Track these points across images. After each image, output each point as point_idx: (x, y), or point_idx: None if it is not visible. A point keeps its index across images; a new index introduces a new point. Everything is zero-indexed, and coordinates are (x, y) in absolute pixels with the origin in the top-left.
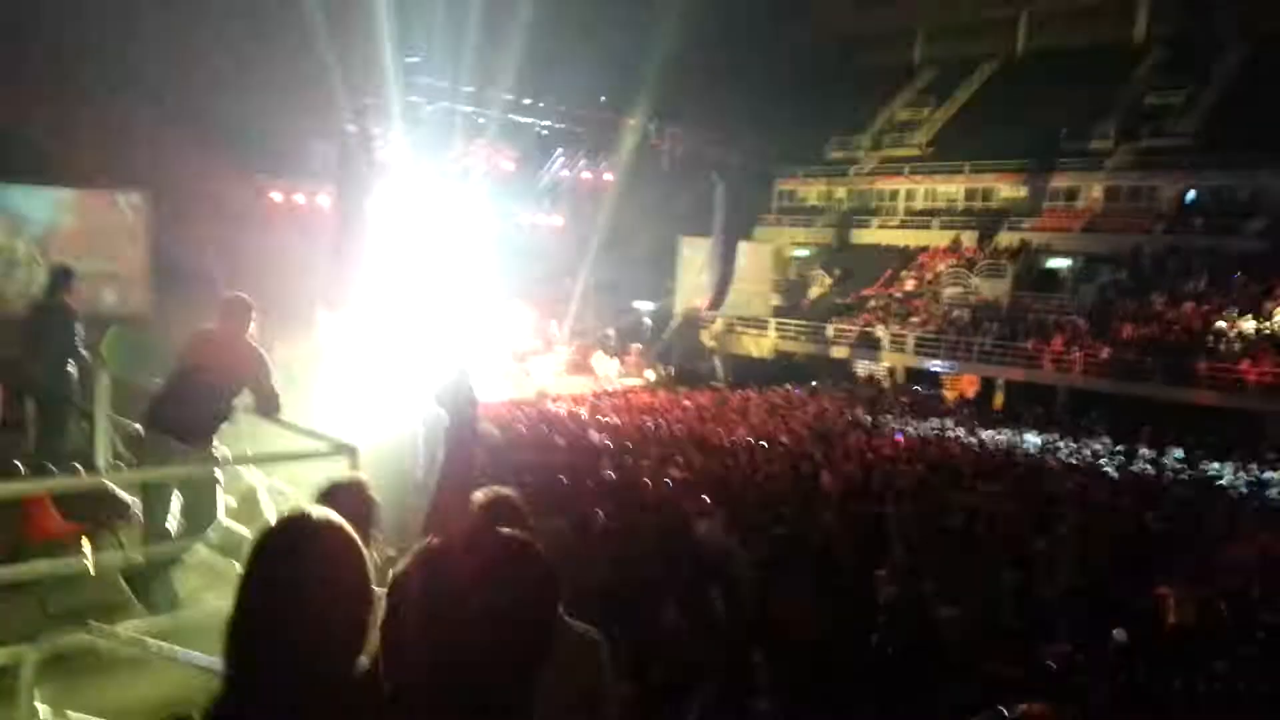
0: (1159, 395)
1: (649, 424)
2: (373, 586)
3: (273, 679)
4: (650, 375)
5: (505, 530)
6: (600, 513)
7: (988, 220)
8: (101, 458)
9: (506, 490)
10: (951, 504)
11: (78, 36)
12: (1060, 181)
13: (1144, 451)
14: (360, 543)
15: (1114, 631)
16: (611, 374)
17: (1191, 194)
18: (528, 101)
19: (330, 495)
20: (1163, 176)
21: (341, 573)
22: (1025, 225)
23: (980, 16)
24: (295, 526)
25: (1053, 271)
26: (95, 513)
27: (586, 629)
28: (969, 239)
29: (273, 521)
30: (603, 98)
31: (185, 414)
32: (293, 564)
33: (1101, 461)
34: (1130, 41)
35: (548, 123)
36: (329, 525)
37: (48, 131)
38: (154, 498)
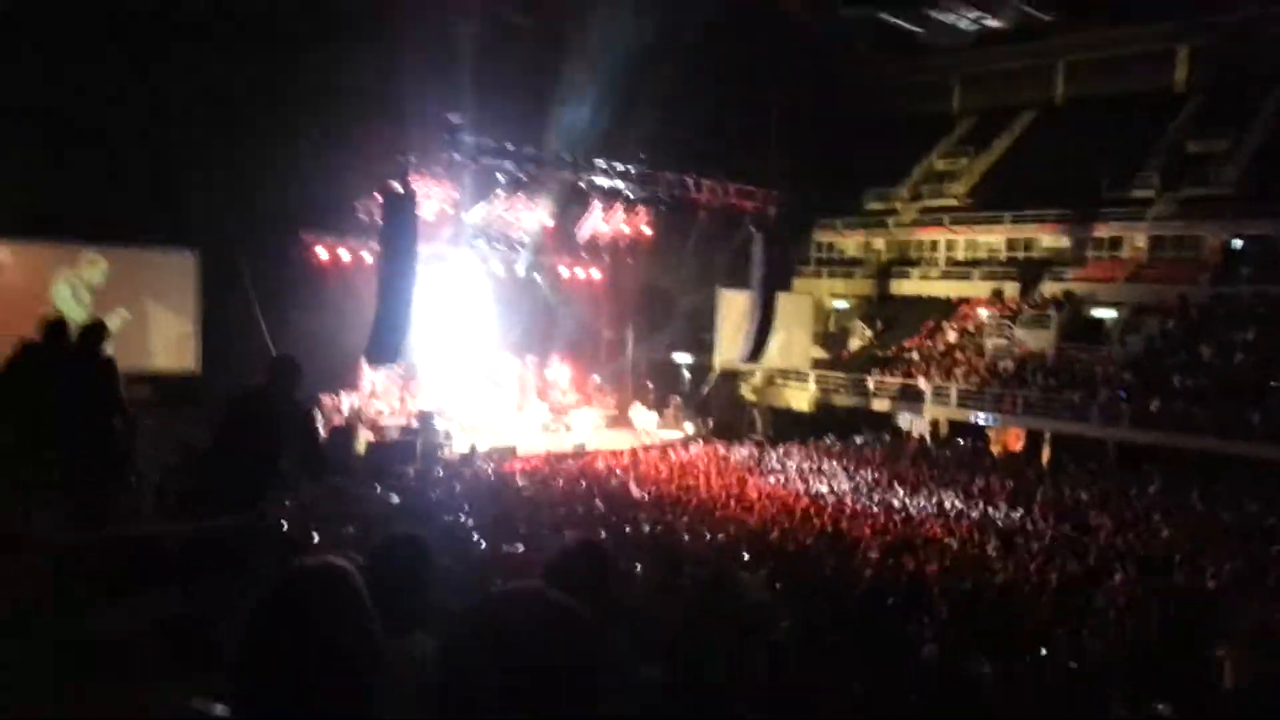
0: (1211, 448)
1: (690, 480)
2: (375, 635)
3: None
4: (689, 428)
5: (553, 592)
6: (638, 566)
7: (1030, 270)
8: (146, 512)
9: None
10: (993, 561)
11: (128, 97)
12: (1103, 231)
13: (1197, 507)
14: (363, 593)
15: (1158, 707)
16: (650, 427)
17: (1238, 242)
18: (567, 157)
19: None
20: (1207, 225)
21: (341, 622)
22: (1069, 275)
23: (1017, 65)
24: (295, 576)
25: (1098, 322)
26: (139, 567)
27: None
28: (1011, 289)
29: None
30: (641, 154)
31: (231, 474)
32: (290, 613)
33: (1155, 517)
34: (1170, 88)
35: (587, 177)
36: (329, 575)
37: (100, 191)
38: (197, 552)
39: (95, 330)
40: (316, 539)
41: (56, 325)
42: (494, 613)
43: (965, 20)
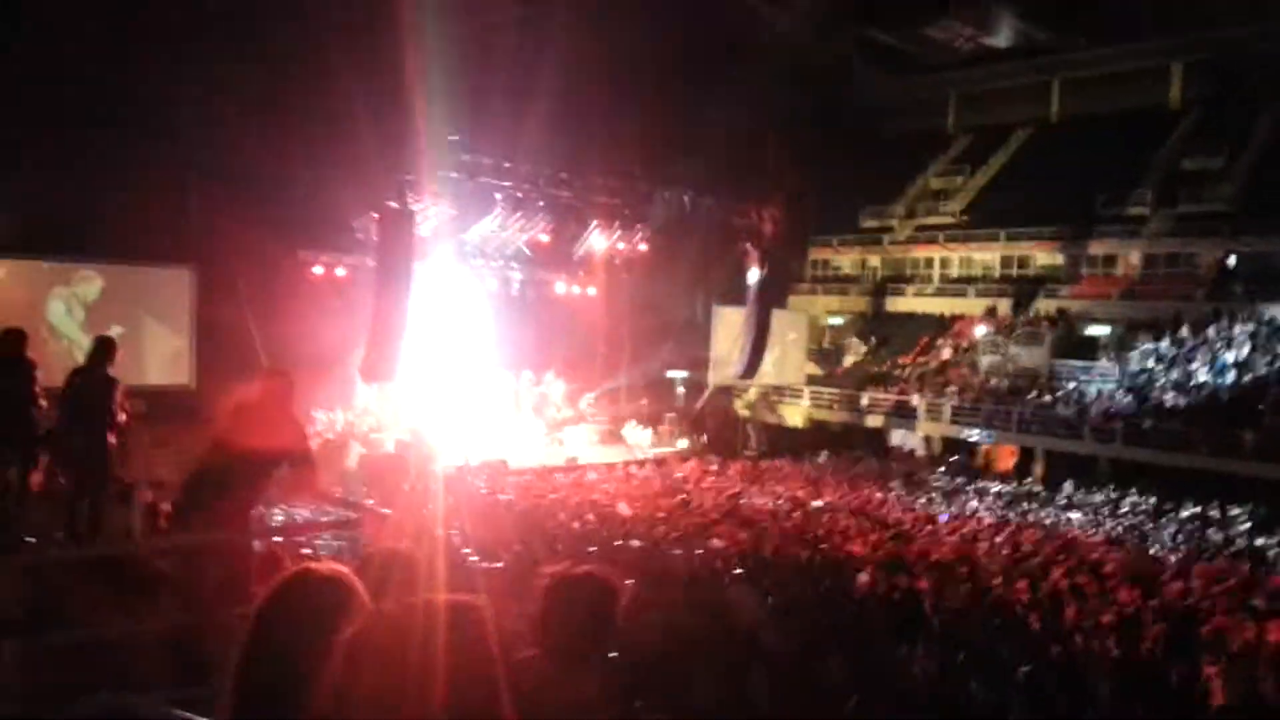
0: (1204, 466)
1: (681, 496)
2: None
3: None
4: (683, 444)
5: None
6: (629, 583)
7: (1024, 288)
8: (139, 526)
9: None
10: (989, 578)
11: (126, 118)
12: (1098, 248)
13: (1188, 525)
14: (365, 600)
15: None
16: (644, 443)
17: (1232, 259)
18: (564, 175)
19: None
20: (1202, 242)
21: (342, 626)
22: (1063, 292)
23: (1013, 83)
24: (300, 580)
25: (1092, 339)
26: (132, 581)
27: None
28: (1005, 306)
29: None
30: (638, 171)
31: (223, 489)
32: (294, 616)
33: (1147, 532)
34: (1165, 106)
35: (584, 195)
36: (333, 580)
37: (96, 209)
38: (190, 567)
39: (102, 346)
40: (308, 553)
41: (14, 336)
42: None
43: (961, 39)
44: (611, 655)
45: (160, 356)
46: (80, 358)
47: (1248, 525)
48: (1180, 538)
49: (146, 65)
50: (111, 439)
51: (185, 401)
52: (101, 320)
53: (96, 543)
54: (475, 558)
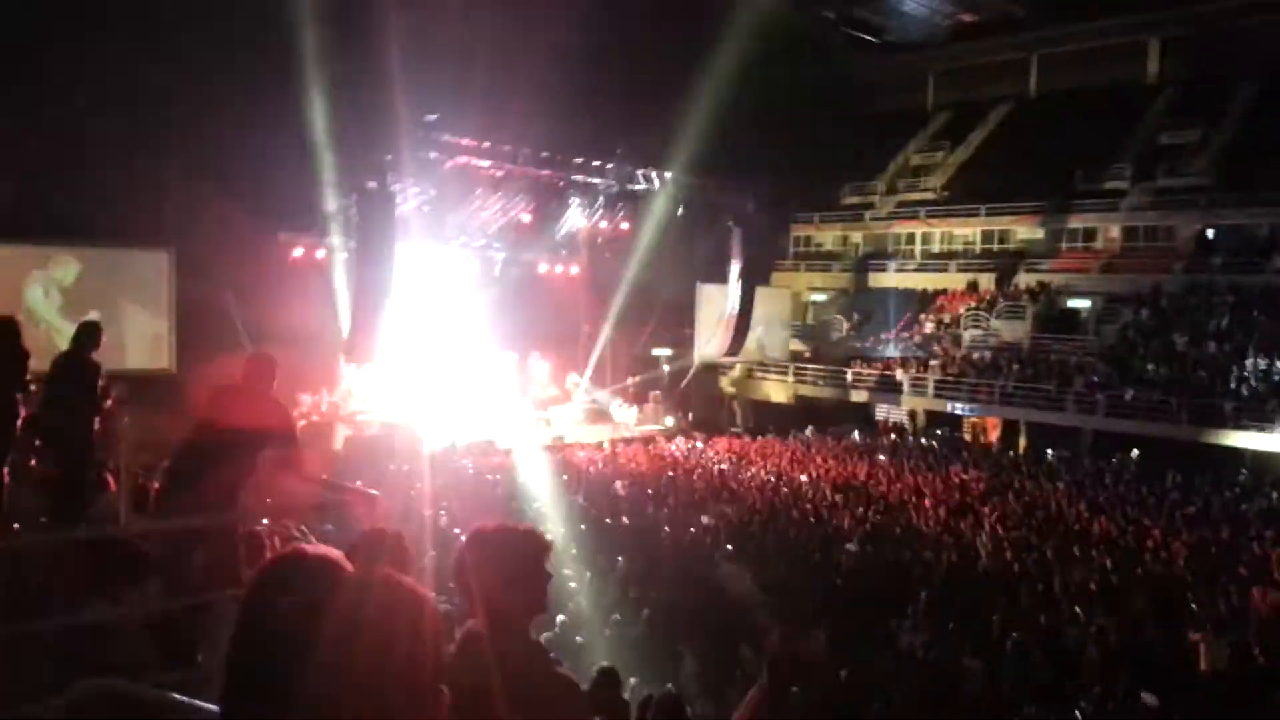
0: (1185, 436)
1: (669, 472)
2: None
3: (262, 714)
4: (669, 422)
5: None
6: (620, 560)
7: (1005, 262)
8: (124, 510)
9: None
10: (975, 548)
11: (102, 98)
12: (1077, 222)
13: (1172, 495)
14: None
15: (1143, 695)
16: (630, 422)
17: (1210, 232)
18: (545, 154)
19: (364, 545)
20: (1180, 216)
21: (333, 607)
22: (1043, 266)
23: (991, 60)
24: (289, 562)
25: (1073, 312)
26: (117, 565)
27: (566, 671)
28: (987, 281)
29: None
30: (618, 149)
31: (207, 472)
32: (284, 599)
33: (1130, 504)
34: (1143, 81)
35: (564, 174)
36: (324, 562)
37: (74, 192)
38: (176, 550)
39: (87, 331)
40: (296, 535)
41: (5, 324)
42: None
43: (939, 15)
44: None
45: (140, 340)
46: (60, 342)
47: (1230, 494)
48: (1164, 507)
49: (120, 47)
50: (95, 423)
51: (166, 385)
52: (79, 304)
53: (80, 526)
54: (464, 539)
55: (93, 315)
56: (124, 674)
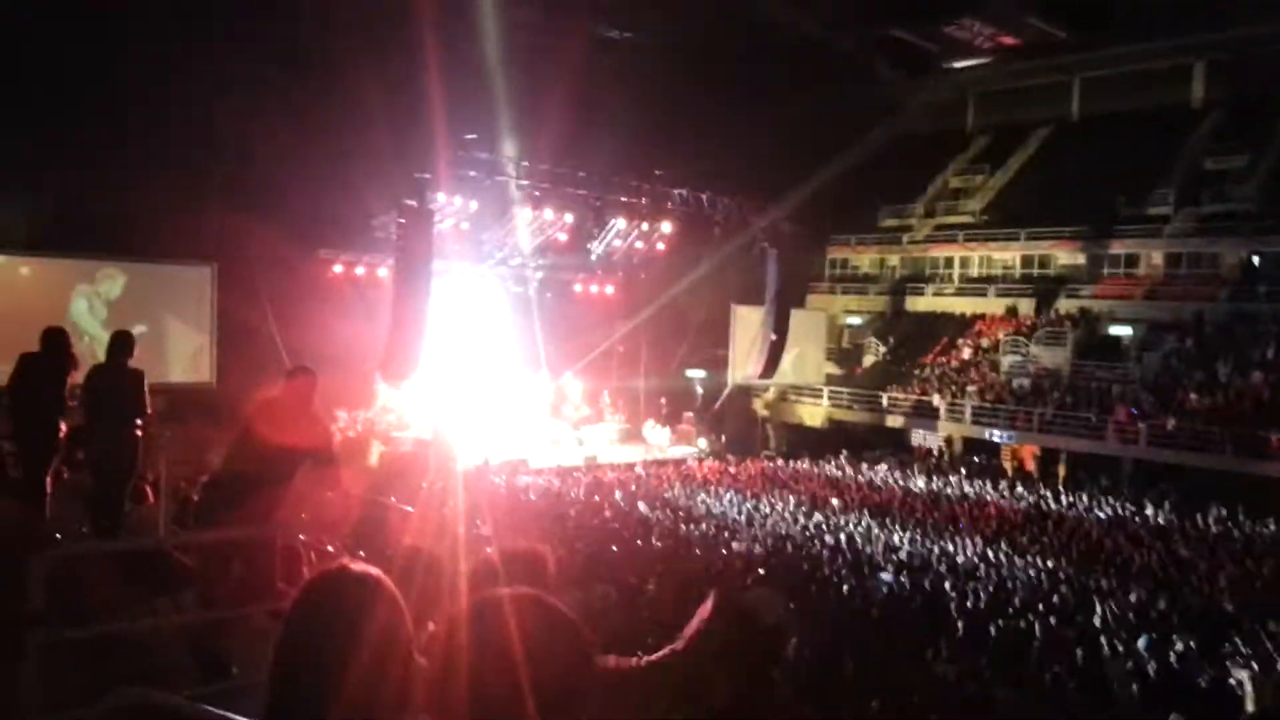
0: (1229, 467)
1: (702, 496)
2: (407, 638)
3: None
4: (702, 444)
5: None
6: (651, 583)
7: (1045, 287)
8: (163, 522)
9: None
10: (1011, 580)
11: (149, 116)
12: (1119, 248)
13: (1214, 527)
14: (398, 599)
15: (1170, 717)
16: (663, 443)
17: (1256, 259)
18: (582, 174)
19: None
20: (1225, 242)
21: (375, 624)
22: (1084, 292)
23: (1033, 82)
24: (333, 578)
25: (1115, 339)
26: (155, 576)
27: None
28: (1026, 306)
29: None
30: (656, 170)
31: (247, 486)
32: (327, 614)
33: (1173, 537)
34: (1187, 105)
35: (601, 194)
36: (366, 578)
37: (119, 207)
38: (213, 563)
39: (120, 341)
40: (330, 550)
41: (55, 335)
42: (484, 616)
43: (980, 38)
44: None
45: (182, 354)
46: (102, 355)
47: (1275, 528)
48: (1207, 539)
49: (168, 66)
50: (137, 433)
51: (207, 399)
52: (123, 318)
53: (121, 538)
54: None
55: (138, 329)
56: (159, 684)
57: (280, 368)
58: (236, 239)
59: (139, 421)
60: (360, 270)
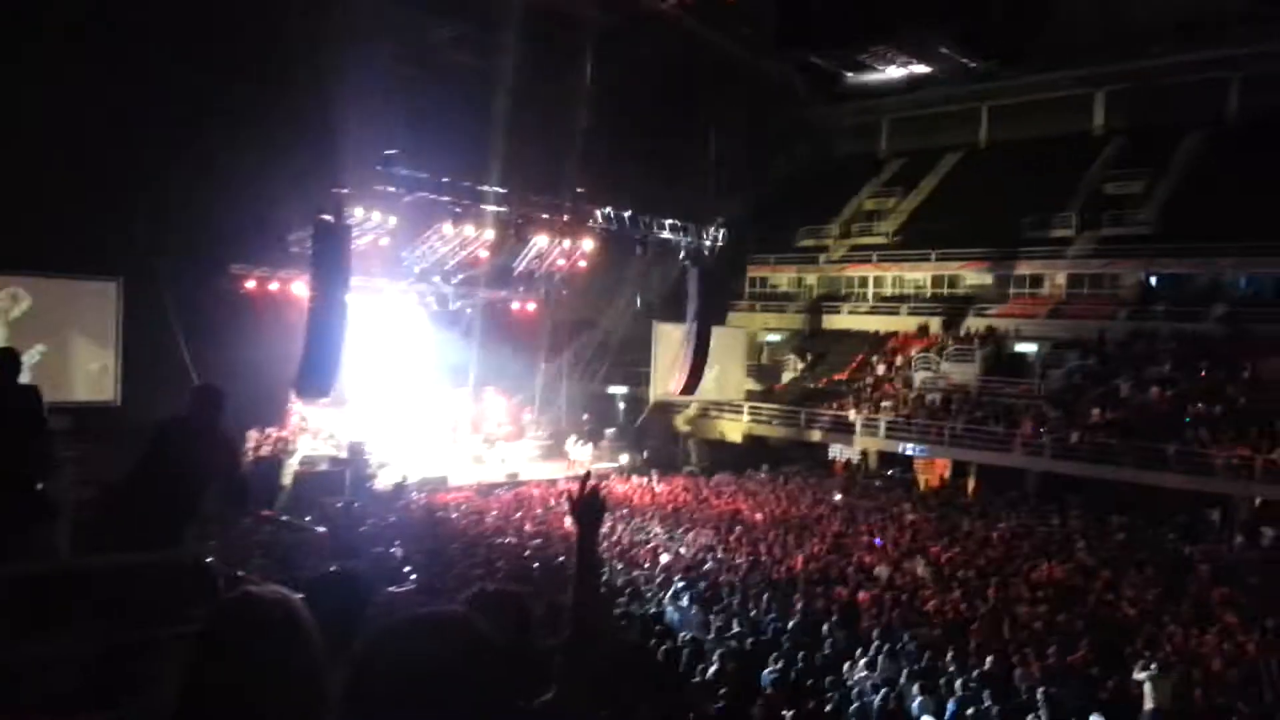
0: (1129, 479)
1: (622, 510)
2: (319, 663)
3: None
4: (624, 459)
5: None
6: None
7: (955, 306)
8: (64, 544)
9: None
10: (926, 592)
11: (53, 127)
12: (1025, 269)
13: (1117, 536)
14: (306, 622)
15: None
16: (584, 459)
17: (1153, 280)
18: (503, 191)
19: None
20: (1124, 264)
21: (288, 648)
22: (992, 311)
23: (943, 109)
24: (244, 605)
25: (1020, 356)
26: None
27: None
28: (937, 324)
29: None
30: (579, 188)
31: (152, 506)
32: (240, 638)
33: (1077, 546)
34: (1089, 132)
35: (523, 212)
36: (278, 602)
37: (21, 221)
38: (118, 584)
39: (6, 359)
40: (241, 573)
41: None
42: (412, 636)
43: (895, 66)
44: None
45: (85, 373)
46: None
47: (1173, 536)
48: (1109, 549)
49: (73, 73)
50: (34, 453)
51: (111, 417)
52: (25, 335)
53: (20, 561)
54: (415, 575)
55: (39, 347)
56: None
57: (188, 386)
58: (144, 253)
59: (36, 438)
60: (274, 286)
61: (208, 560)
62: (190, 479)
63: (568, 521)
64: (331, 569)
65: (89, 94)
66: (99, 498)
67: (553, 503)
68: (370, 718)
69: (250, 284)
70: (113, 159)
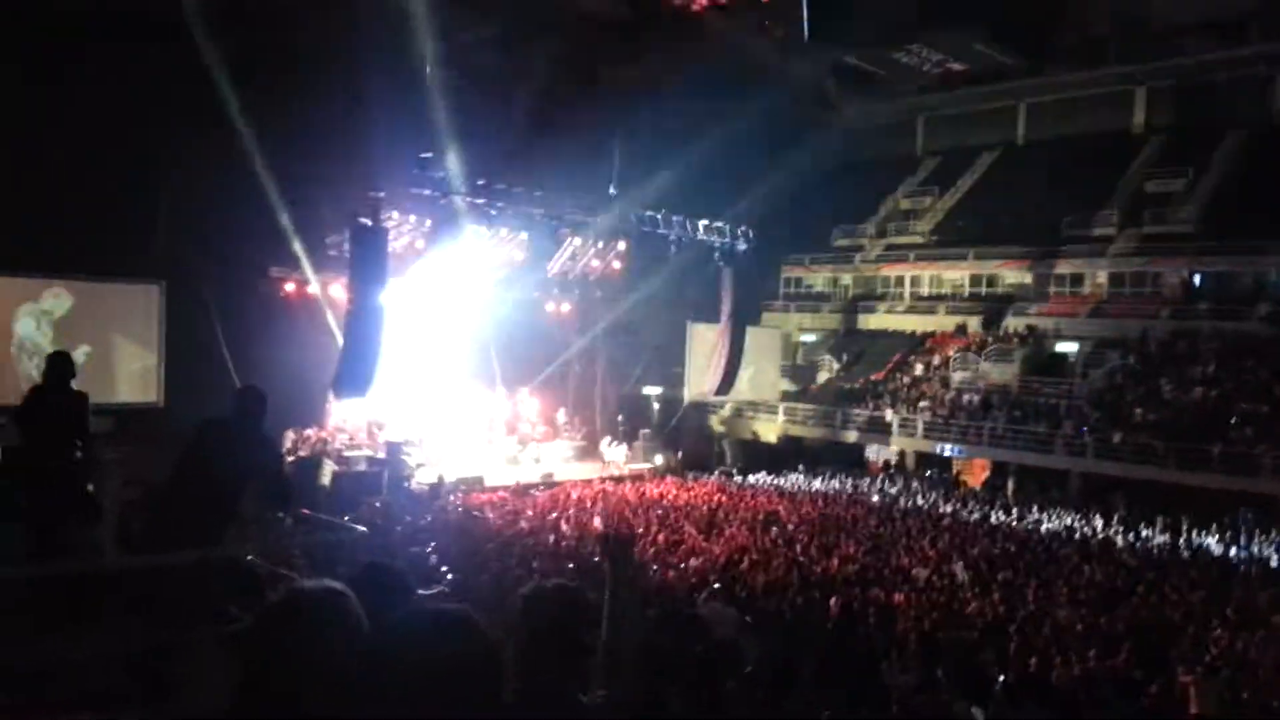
0: (1172, 479)
1: (657, 510)
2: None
3: None
4: (658, 460)
5: None
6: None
7: (993, 305)
8: (108, 544)
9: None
10: (965, 593)
11: (97, 132)
12: (1065, 267)
13: (1160, 538)
14: (355, 614)
15: None
16: (619, 459)
17: (1196, 279)
18: (538, 193)
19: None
20: (1166, 262)
21: (337, 640)
22: (1031, 310)
23: (980, 107)
24: (294, 596)
25: (1061, 356)
26: (100, 599)
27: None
28: (975, 324)
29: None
30: (612, 189)
31: (194, 507)
32: (290, 631)
33: (1119, 548)
34: (1129, 129)
35: (557, 213)
36: (327, 597)
37: (67, 225)
38: (160, 585)
39: (60, 362)
40: (282, 572)
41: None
42: (411, 634)
43: (929, 64)
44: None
45: (129, 374)
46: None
47: (1216, 538)
48: (1152, 550)
49: (118, 76)
50: (79, 456)
51: (154, 419)
52: (70, 337)
53: (64, 561)
54: (451, 575)
55: (84, 348)
56: (99, 709)
57: (229, 387)
58: (186, 257)
59: (83, 443)
60: (313, 289)
61: (250, 559)
62: (232, 480)
63: (598, 522)
64: (370, 562)
65: (134, 101)
66: (142, 498)
67: (589, 504)
68: (372, 710)
69: (289, 286)
70: (154, 164)
